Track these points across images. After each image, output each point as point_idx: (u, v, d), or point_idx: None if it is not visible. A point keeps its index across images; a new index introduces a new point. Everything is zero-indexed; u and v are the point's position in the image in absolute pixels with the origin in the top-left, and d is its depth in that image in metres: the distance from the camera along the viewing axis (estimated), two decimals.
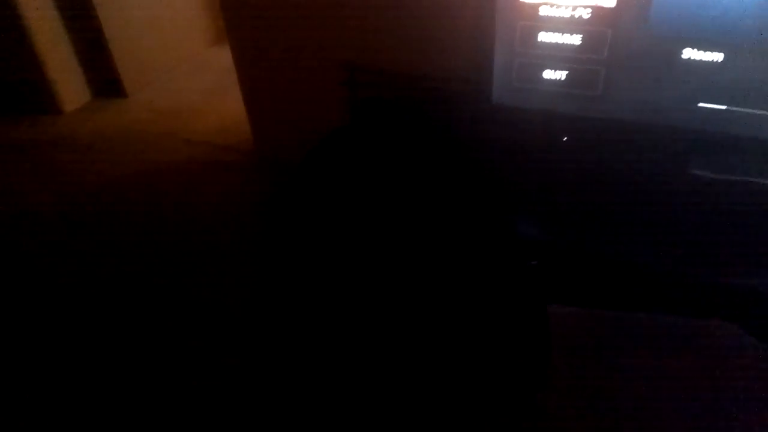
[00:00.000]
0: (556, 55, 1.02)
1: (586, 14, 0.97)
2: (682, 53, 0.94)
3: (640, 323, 0.82)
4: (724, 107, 0.96)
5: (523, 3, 1.01)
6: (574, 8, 0.97)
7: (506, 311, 1.04)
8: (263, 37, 1.82)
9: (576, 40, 0.99)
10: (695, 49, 0.93)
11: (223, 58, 2.10)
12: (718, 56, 0.92)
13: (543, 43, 1.02)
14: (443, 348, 1.18)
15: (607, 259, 0.94)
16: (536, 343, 0.87)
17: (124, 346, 1.47)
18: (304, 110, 1.90)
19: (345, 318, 1.31)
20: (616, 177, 1.03)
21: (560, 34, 1.00)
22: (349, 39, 1.63)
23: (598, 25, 0.97)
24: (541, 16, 1.00)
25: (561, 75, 1.03)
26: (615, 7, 0.94)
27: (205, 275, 1.67)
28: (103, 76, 2.62)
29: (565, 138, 1.09)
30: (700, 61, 0.93)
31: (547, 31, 1.01)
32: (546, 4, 0.99)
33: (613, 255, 0.94)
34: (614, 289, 0.93)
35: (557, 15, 0.99)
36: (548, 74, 1.04)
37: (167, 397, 1.34)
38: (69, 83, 2.55)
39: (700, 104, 0.97)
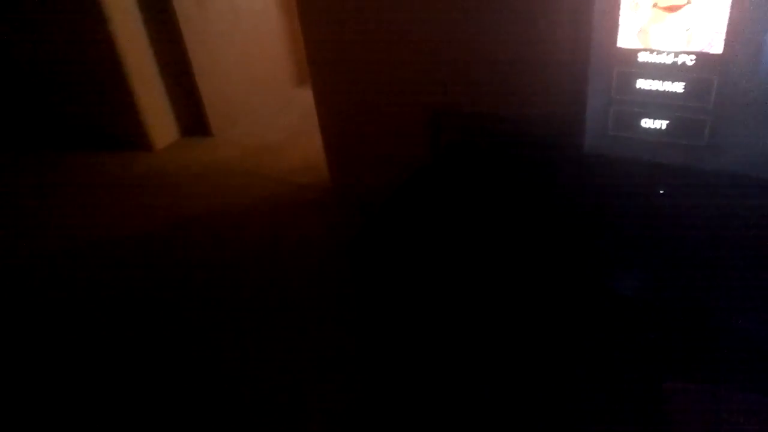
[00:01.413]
0: (656, 103, 0.97)
1: (689, 61, 0.91)
2: None
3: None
4: None
5: (621, 48, 0.96)
6: (677, 54, 0.92)
7: (617, 387, 0.97)
8: (344, 79, 1.84)
9: (678, 87, 0.94)
10: None
11: (307, 98, 2.14)
12: None
13: (641, 90, 0.97)
14: (545, 417, 1.12)
15: (721, 330, 0.86)
16: (650, 423, 0.81)
17: (186, 383, 1.49)
18: (383, 152, 1.90)
19: (433, 365, 1.27)
20: (723, 237, 0.95)
21: (661, 81, 0.95)
22: (431, 82, 1.62)
23: (703, 72, 0.91)
24: (640, 62, 0.95)
25: (661, 124, 0.98)
26: (722, 53, 0.88)
27: (284, 311, 1.68)
28: (192, 116, 2.74)
29: (662, 191, 1.02)
30: None
31: (646, 78, 0.96)
32: (645, 50, 0.94)
33: (728, 326, 0.86)
34: (733, 364, 0.84)
35: (658, 61, 0.94)
36: (646, 123, 0.99)
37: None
38: (160, 122, 2.68)
39: None
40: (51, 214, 2.28)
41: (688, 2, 0.88)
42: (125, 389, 1.48)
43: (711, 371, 0.84)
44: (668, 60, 0.93)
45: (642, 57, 0.95)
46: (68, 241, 2.09)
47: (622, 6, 0.93)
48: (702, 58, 0.90)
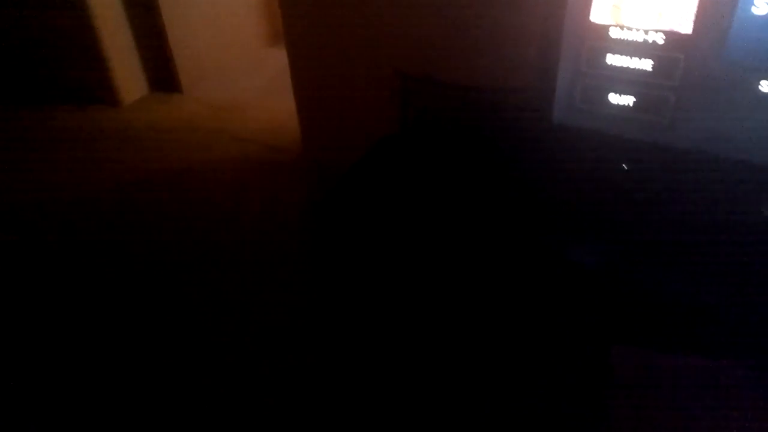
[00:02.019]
0: (624, 78, 0.99)
1: (659, 39, 0.93)
2: (759, 85, 0.90)
3: (707, 370, 0.78)
4: None
5: (593, 23, 0.98)
6: (647, 32, 0.94)
7: (567, 348, 1.01)
8: (319, 41, 1.82)
9: (646, 64, 0.96)
10: None
11: (280, 58, 2.11)
12: None
13: (611, 66, 0.99)
14: (496, 380, 1.15)
15: (669, 299, 0.90)
16: (597, 382, 0.85)
17: (153, 343, 1.49)
18: (354, 115, 1.90)
19: (390, 328, 1.29)
20: (680, 211, 0.99)
21: (630, 57, 0.97)
22: (405, 47, 1.62)
23: (671, 50, 0.93)
24: (611, 38, 0.97)
25: (628, 99, 1.00)
26: (691, 33, 0.90)
27: (246, 273, 1.68)
28: (161, 71, 2.68)
29: (625, 165, 1.05)
30: None
31: (616, 53, 0.98)
32: (617, 26, 0.96)
33: (675, 294, 0.90)
34: (678, 331, 0.89)
35: (628, 38, 0.96)
36: (614, 97, 1.01)
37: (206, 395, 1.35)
38: (128, 76, 2.61)
39: None
40: (13, 170, 2.22)
41: None
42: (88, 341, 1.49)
43: (660, 338, 0.88)
44: (638, 37, 0.95)
45: (613, 33, 0.97)
46: (31, 198, 2.05)
47: None
48: (671, 36, 0.92)
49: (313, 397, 1.31)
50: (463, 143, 1.36)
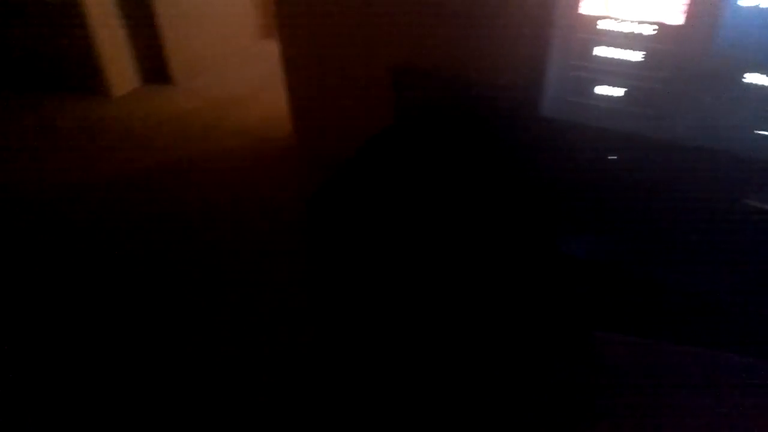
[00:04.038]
0: (613, 71, 0.99)
1: (649, 30, 0.93)
2: (744, 77, 0.90)
3: (696, 358, 0.78)
4: None
5: (582, 15, 0.98)
6: (637, 23, 0.94)
7: (550, 335, 1.01)
8: (311, 33, 1.82)
9: (636, 56, 0.96)
10: (760, 74, 0.89)
11: (272, 51, 2.10)
12: None
13: (600, 58, 0.99)
14: (480, 370, 1.15)
15: (655, 285, 0.90)
16: (582, 370, 0.85)
17: (148, 334, 1.48)
18: (347, 108, 1.89)
19: (380, 318, 1.29)
20: (667, 200, 1.00)
21: (619, 49, 0.97)
22: (397, 39, 1.62)
23: (661, 42, 0.93)
24: (600, 30, 0.97)
25: (616, 91, 1.00)
26: (681, 25, 0.91)
27: (240, 264, 1.68)
28: (153, 63, 2.67)
29: (613, 156, 1.06)
30: (764, 86, 0.89)
31: (605, 45, 0.98)
32: (607, 17, 0.96)
33: (661, 281, 0.90)
34: (664, 318, 0.89)
35: (618, 30, 0.96)
36: (602, 90, 1.01)
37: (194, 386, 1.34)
38: (119, 68, 2.59)
39: (759, 131, 0.93)
40: (3, 161, 2.20)
41: None
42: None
43: (649, 325, 0.88)
44: (629, 28, 0.95)
45: (603, 24, 0.97)
46: (23, 190, 2.04)
47: None
48: (662, 28, 0.93)
49: (311, 391, 1.31)
50: (455, 137, 1.36)
